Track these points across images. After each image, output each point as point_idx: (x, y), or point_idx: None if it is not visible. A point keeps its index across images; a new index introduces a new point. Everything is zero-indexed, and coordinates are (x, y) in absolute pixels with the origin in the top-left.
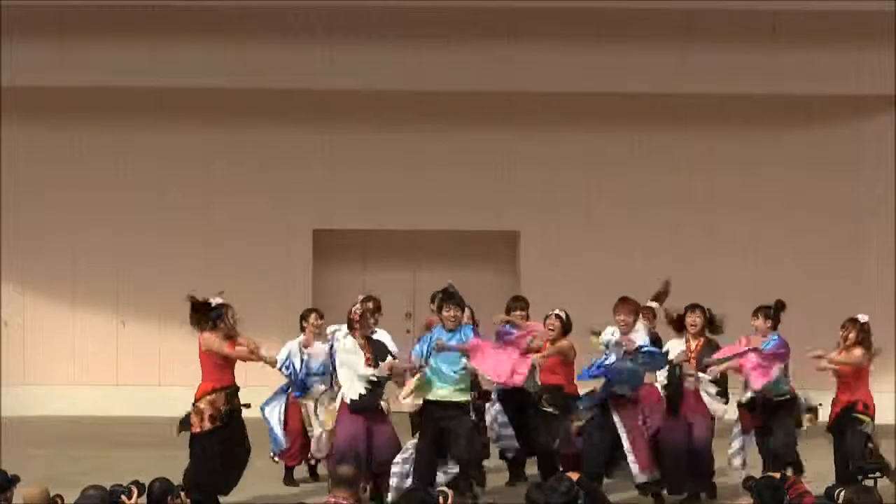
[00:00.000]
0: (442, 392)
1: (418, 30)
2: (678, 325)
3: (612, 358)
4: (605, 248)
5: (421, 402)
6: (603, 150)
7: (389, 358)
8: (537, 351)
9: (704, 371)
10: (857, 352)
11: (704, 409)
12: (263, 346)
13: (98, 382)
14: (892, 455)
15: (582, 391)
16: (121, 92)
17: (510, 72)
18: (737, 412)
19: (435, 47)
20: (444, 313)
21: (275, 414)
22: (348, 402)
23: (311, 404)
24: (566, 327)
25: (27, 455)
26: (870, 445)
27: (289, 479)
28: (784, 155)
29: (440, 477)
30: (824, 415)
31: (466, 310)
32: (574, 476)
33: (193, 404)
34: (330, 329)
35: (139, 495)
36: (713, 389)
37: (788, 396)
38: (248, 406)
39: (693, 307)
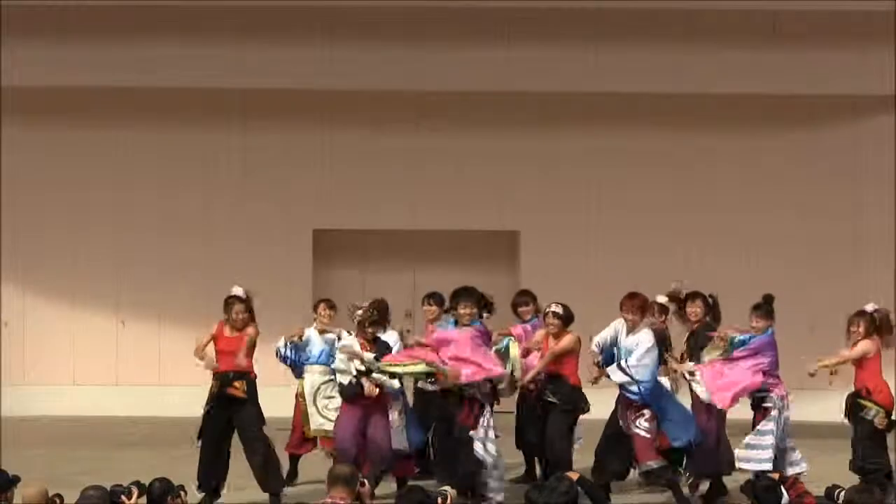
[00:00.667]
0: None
1: (418, 30)
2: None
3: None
4: (605, 248)
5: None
6: (603, 150)
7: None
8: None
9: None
10: (859, 348)
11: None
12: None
13: (98, 382)
14: (892, 455)
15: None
16: (121, 92)
17: (510, 72)
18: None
19: (435, 47)
20: (461, 311)
21: None
22: (338, 388)
23: (308, 394)
24: (566, 320)
25: (27, 455)
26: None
27: (290, 471)
28: (784, 155)
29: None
30: (823, 412)
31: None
32: (574, 476)
33: None
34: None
35: (139, 496)
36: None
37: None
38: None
39: (694, 296)
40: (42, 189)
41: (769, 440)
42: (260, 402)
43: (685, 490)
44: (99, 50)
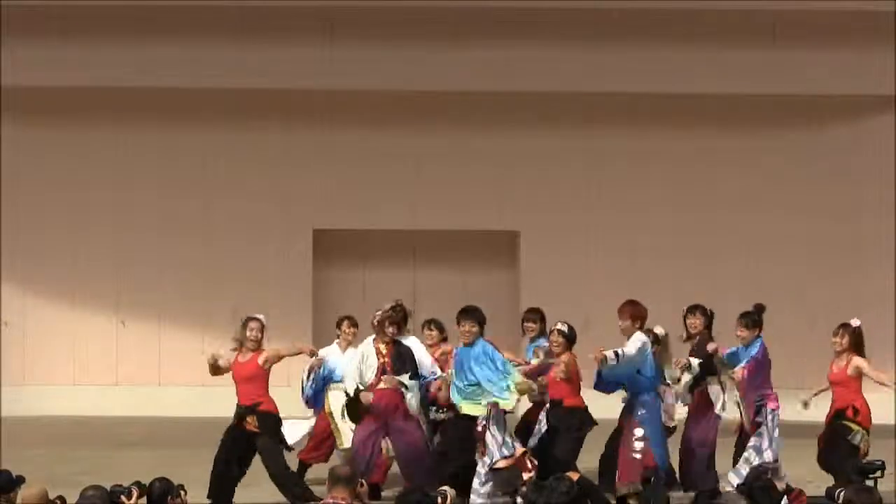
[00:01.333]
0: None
1: (418, 30)
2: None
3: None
4: (605, 248)
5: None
6: (603, 150)
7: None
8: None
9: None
10: (855, 363)
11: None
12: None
13: (98, 382)
14: (892, 455)
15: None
16: (121, 92)
17: (510, 72)
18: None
19: (435, 47)
20: (462, 328)
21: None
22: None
23: (336, 412)
24: (570, 340)
25: (27, 455)
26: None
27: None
28: (784, 155)
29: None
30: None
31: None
32: (574, 476)
33: None
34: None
35: (139, 496)
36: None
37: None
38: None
39: (693, 309)
40: (42, 189)
41: (767, 456)
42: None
43: None
44: (99, 50)
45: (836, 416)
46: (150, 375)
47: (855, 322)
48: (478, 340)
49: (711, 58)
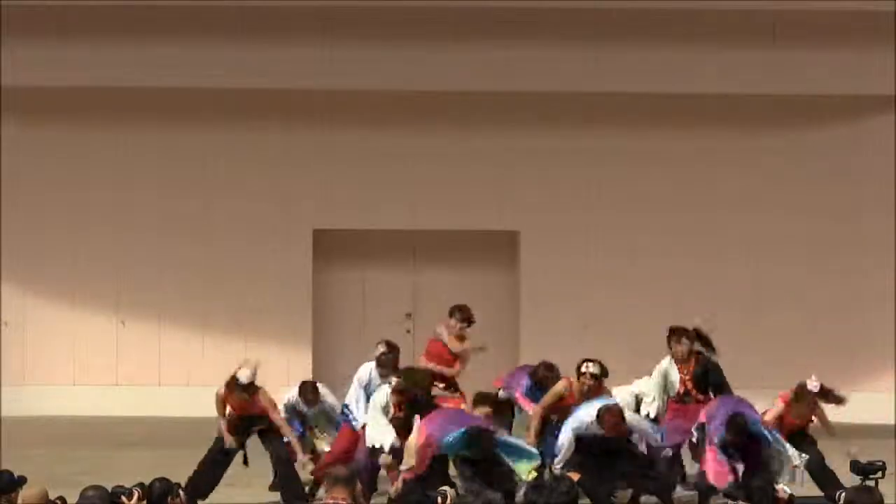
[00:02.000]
0: None
1: (418, 30)
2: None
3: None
4: (605, 248)
5: None
6: (603, 150)
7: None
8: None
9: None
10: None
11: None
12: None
13: (98, 382)
14: (892, 455)
15: None
16: (121, 92)
17: (510, 72)
18: None
19: (435, 47)
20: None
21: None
22: (378, 446)
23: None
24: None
25: (27, 455)
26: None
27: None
28: (784, 155)
29: None
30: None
31: None
32: (574, 476)
33: None
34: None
35: (140, 499)
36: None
37: None
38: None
39: (672, 333)
40: (42, 189)
41: None
42: None
43: None
44: (99, 50)
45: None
46: (150, 375)
47: (813, 386)
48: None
49: (711, 58)
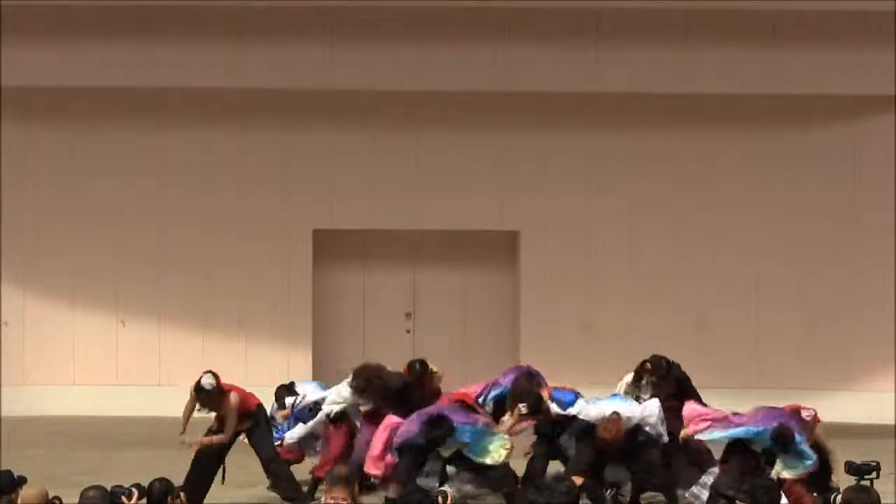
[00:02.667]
0: None
1: (418, 30)
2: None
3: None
4: (604, 248)
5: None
6: (603, 150)
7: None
8: None
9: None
10: None
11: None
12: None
13: (98, 382)
14: (892, 455)
15: None
16: (121, 92)
17: (510, 72)
18: None
19: (434, 47)
20: None
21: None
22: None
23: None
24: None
25: (27, 455)
26: None
27: (310, 491)
28: (784, 155)
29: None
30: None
31: None
32: (578, 480)
33: None
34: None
35: (139, 497)
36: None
37: None
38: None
39: (638, 372)
40: (42, 189)
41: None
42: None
43: None
44: (99, 50)
45: None
46: (150, 375)
47: None
48: None
49: (711, 58)
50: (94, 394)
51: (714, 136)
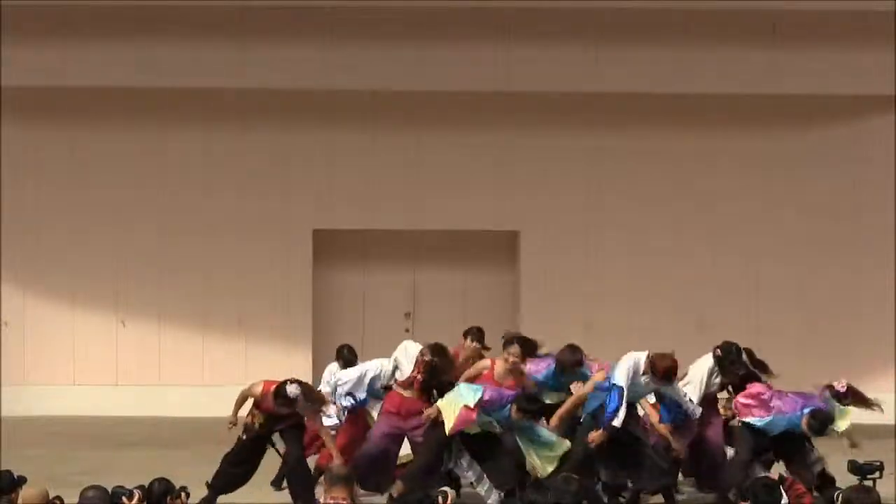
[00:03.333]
0: None
1: (418, 30)
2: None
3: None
4: (605, 248)
5: None
6: (603, 149)
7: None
8: None
9: None
10: None
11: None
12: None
13: (98, 382)
14: (892, 455)
15: None
16: (121, 92)
17: (510, 72)
18: None
19: (434, 47)
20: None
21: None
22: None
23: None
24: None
25: (27, 455)
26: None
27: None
28: (784, 155)
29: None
30: None
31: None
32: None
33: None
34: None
35: (141, 500)
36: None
37: None
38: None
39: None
40: (42, 189)
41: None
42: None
43: None
44: (99, 50)
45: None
46: (150, 375)
47: None
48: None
49: (711, 58)
50: (93, 394)
51: (714, 136)
